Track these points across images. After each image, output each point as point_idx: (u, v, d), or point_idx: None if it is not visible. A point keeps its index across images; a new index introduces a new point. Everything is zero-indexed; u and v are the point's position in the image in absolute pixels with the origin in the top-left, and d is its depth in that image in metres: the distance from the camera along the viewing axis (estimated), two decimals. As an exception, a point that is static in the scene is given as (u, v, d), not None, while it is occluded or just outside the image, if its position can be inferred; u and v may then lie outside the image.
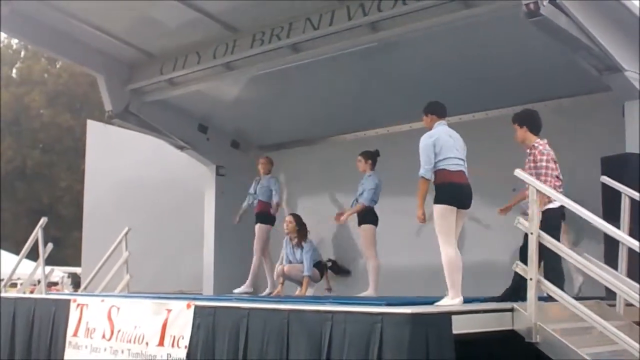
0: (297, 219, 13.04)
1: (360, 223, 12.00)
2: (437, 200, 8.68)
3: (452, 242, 8.56)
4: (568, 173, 9.32)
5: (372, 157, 12.32)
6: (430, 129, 9.09)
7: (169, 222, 17.19)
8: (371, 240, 11.91)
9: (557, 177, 8.78)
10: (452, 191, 8.66)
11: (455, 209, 8.58)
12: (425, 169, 8.75)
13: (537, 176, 8.53)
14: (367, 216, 11.96)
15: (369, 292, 11.78)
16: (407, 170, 13.47)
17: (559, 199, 8.04)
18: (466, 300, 8.37)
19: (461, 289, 8.38)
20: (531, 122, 9.14)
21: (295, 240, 12.82)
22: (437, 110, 9.25)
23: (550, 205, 8.45)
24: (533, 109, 9.69)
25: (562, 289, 7.60)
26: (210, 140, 16.49)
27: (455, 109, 13.36)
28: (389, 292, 11.94)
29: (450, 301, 8.25)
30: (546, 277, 7.80)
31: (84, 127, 20.07)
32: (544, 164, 8.72)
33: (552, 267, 8.23)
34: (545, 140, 9.02)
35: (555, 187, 8.54)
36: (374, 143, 14.42)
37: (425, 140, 8.83)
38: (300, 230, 12.90)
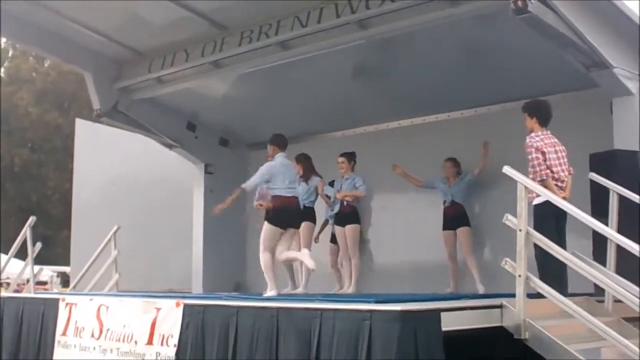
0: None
1: (346, 223, 12.03)
2: (266, 218, 10.67)
3: (269, 248, 10.61)
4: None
5: (354, 158, 12.33)
6: (272, 158, 10.82)
7: (158, 221, 17.17)
8: (357, 239, 11.99)
9: (550, 167, 8.78)
10: (280, 214, 10.52)
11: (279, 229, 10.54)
12: (248, 184, 10.74)
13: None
14: (353, 216, 12.02)
15: (351, 290, 11.85)
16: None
17: (543, 194, 8.05)
18: (455, 297, 8.39)
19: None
20: (539, 113, 9.14)
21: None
22: (279, 143, 10.98)
23: (536, 202, 8.49)
24: (544, 99, 9.73)
25: (552, 286, 7.58)
26: (198, 138, 16.47)
27: (444, 107, 13.49)
28: (377, 289, 11.97)
29: (270, 292, 10.36)
30: (540, 275, 7.85)
31: (72, 125, 20.03)
32: (529, 156, 8.77)
33: (541, 263, 8.27)
34: (547, 132, 9.05)
35: (544, 178, 8.60)
36: (362, 141, 14.48)
37: (265, 166, 10.70)
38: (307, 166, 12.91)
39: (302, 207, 12.40)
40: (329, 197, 12.54)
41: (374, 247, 13.11)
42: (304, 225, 12.37)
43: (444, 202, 12.70)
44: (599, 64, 9.76)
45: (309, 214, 12.52)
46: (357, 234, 12.01)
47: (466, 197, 12.71)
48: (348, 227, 11.97)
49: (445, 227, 12.62)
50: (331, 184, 12.95)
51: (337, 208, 12.28)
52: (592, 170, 9.27)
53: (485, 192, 12.82)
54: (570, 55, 9.80)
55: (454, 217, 12.60)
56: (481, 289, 11.60)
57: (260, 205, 12.60)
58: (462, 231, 12.51)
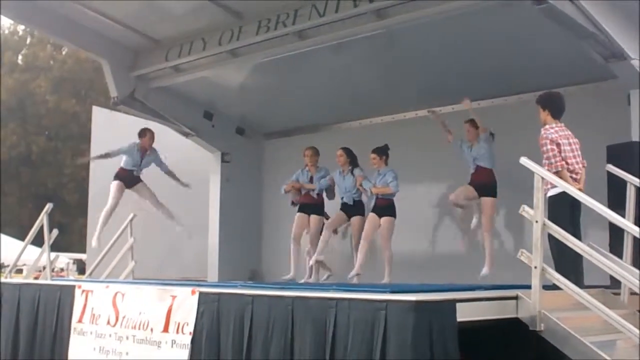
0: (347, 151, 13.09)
1: (383, 215, 12.18)
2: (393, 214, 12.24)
3: None
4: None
5: (385, 152, 12.45)
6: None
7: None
8: (391, 232, 12.16)
9: (565, 159, 8.75)
10: None
11: None
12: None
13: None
14: (391, 209, 12.20)
15: (385, 281, 12.00)
16: (412, 157, 13.59)
17: (560, 185, 8.03)
18: (470, 288, 8.38)
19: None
20: (552, 106, 9.11)
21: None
22: None
23: (551, 193, 8.44)
24: (557, 91, 9.68)
25: (569, 277, 7.57)
26: (215, 127, 16.49)
27: (462, 97, 13.42)
28: (394, 279, 12.00)
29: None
30: (556, 266, 7.84)
31: (89, 113, 20.09)
32: (544, 148, 8.74)
33: (558, 255, 8.25)
34: (561, 124, 9.00)
35: (559, 170, 8.57)
36: (379, 130, 14.48)
37: None
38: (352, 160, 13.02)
39: (352, 201, 12.62)
40: (365, 190, 12.64)
41: (393, 237, 13.09)
42: (356, 219, 12.71)
43: (471, 168, 12.22)
44: (617, 55, 9.72)
45: (359, 208, 12.88)
46: (391, 226, 12.20)
47: (492, 159, 11.93)
48: (383, 219, 12.15)
49: None
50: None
51: (373, 202, 12.43)
52: (609, 161, 9.26)
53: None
54: (588, 46, 9.76)
55: (479, 185, 11.91)
56: (484, 271, 11.55)
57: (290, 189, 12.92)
58: (483, 200, 11.84)
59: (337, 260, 13.26)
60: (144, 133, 14.44)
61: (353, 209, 12.82)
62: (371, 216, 12.51)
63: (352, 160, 12.91)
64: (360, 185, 12.63)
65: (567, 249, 7.67)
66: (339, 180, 13.02)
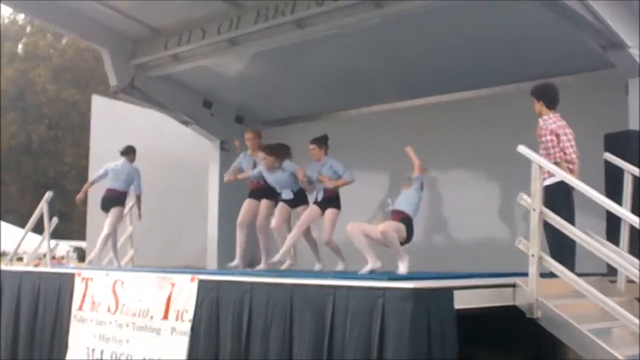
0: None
1: (326, 207, 11.69)
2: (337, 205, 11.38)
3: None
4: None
5: (325, 142, 11.80)
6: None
7: (174, 197, 17.23)
8: (335, 222, 11.67)
9: (563, 150, 8.77)
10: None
11: None
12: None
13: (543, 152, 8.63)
14: (335, 201, 11.64)
15: (319, 266, 11.88)
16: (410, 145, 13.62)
17: (558, 174, 8.05)
18: (468, 275, 8.42)
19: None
20: (547, 97, 9.11)
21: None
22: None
23: (547, 182, 8.44)
24: (551, 82, 9.67)
25: (564, 265, 7.61)
26: (214, 115, 16.54)
27: (460, 86, 13.47)
28: (392, 268, 12.03)
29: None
30: (552, 254, 7.87)
31: (89, 102, 20.06)
32: (543, 139, 8.75)
33: (554, 243, 8.28)
34: (557, 114, 9.00)
35: (558, 161, 8.59)
36: (377, 119, 14.49)
37: None
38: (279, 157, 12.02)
39: (292, 195, 11.94)
40: (310, 184, 11.79)
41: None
42: (301, 208, 11.96)
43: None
44: (615, 44, 9.75)
45: (303, 198, 12.06)
46: (335, 217, 11.67)
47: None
48: (329, 210, 11.63)
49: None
50: None
51: (321, 195, 11.84)
52: (606, 150, 9.29)
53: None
54: (586, 35, 9.78)
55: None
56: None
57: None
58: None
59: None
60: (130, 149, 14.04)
61: (296, 200, 11.98)
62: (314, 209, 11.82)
63: (278, 157, 11.89)
64: (304, 177, 11.73)
65: (564, 237, 7.72)
66: (269, 178, 12.11)
